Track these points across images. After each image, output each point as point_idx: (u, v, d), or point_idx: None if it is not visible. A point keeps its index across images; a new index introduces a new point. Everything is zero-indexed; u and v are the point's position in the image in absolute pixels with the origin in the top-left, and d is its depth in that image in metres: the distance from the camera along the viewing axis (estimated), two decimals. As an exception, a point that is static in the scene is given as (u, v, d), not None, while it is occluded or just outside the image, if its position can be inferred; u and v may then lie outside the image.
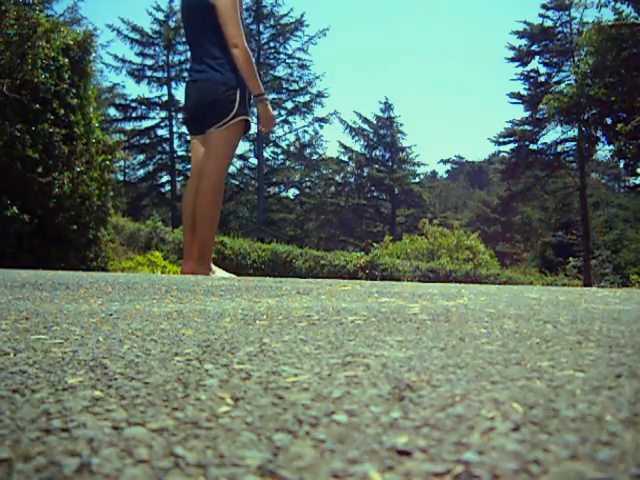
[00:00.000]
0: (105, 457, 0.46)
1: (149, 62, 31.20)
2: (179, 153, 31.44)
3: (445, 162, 66.82)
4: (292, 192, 36.10)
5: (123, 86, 45.43)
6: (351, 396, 0.62)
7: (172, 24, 30.75)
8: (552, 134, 45.52)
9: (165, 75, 31.30)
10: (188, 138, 30.67)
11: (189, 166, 31.41)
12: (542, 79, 29.08)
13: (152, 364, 0.79)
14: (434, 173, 63.79)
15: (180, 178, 30.51)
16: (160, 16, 31.24)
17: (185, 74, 27.84)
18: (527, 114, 29.07)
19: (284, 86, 33.24)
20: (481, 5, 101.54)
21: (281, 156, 34.55)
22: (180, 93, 31.61)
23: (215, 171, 3.54)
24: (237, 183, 34.18)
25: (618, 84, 18.12)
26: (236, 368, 0.76)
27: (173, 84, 30.96)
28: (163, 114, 31.59)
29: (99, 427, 0.53)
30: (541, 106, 22.24)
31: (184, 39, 4.51)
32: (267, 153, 33.65)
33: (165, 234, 14.71)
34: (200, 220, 3.53)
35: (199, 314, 1.35)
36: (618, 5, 17.64)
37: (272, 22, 32.74)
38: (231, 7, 3.55)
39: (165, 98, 31.37)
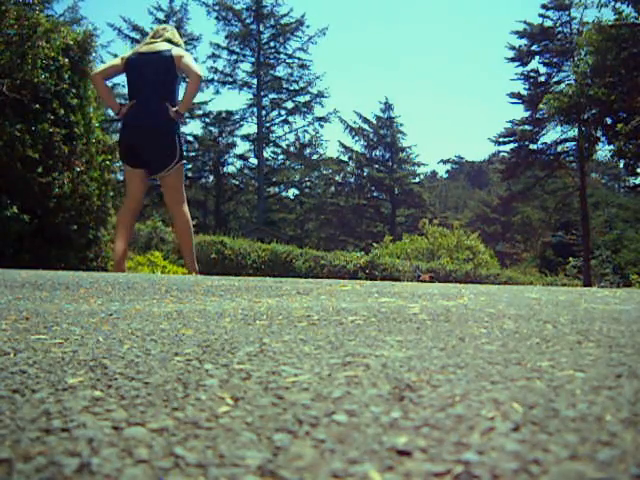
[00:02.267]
0: (105, 457, 0.46)
1: (149, 62, 31.15)
2: (179, 153, 31.35)
3: (445, 162, 66.86)
4: (292, 192, 36.14)
5: (123, 86, 45.34)
6: (351, 396, 0.62)
7: (172, 24, 30.75)
8: (552, 134, 45.52)
9: (165, 75, 31.24)
10: (188, 138, 30.67)
11: (189, 165, 31.39)
12: (542, 79, 29.09)
13: (152, 364, 0.79)
14: (434, 173, 63.80)
15: (180, 178, 30.39)
16: (161, 16, 31.24)
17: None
18: (527, 114, 29.08)
19: (284, 86, 33.23)
20: (481, 5, 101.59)
21: (281, 156, 34.56)
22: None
23: (184, 207, 4.41)
24: (237, 183, 34.20)
25: (618, 84, 18.11)
26: (236, 368, 0.76)
27: (173, 84, 30.88)
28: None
29: (99, 427, 0.53)
30: (541, 106, 22.21)
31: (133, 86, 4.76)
32: (267, 153, 33.66)
33: (165, 234, 14.70)
34: (184, 241, 4.43)
35: (199, 314, 1.35)
36: (618, 5, 17.63)
37: (272, 22, 32.74)
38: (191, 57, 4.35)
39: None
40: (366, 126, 37.75)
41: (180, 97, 4.33)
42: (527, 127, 28.67)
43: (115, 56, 30.49)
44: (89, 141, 7.24)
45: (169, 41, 4.33)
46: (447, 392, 0.63)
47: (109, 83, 4.60)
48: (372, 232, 34.85)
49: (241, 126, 33.31)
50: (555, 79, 28.62)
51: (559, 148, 27.31)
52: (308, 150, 34.61)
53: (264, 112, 32.88)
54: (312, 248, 19.65)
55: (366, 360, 0.80)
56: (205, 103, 31.30)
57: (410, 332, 1.07)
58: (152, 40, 4.34)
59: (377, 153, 38.20)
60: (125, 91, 5.28)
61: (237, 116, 32.90)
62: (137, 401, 0.61)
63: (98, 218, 7.38)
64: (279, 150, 34.38)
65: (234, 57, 32.48)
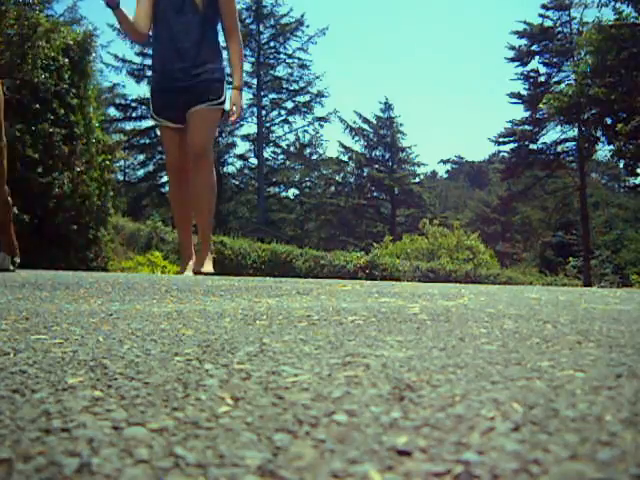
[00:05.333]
0: (105, 457, 0.46)
1: (149, 62, 31.16)
2: (179, 153, 31.29)
3: (445, 162, 66.93)
4: (292, 192, 36.11)
5: (123, 86, 45.31)
6: (351, 396, 0.62)
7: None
8: (552, 134, 45.49)
9: (165, 75, 31.20)
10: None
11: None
12: (542, 79, 29.10)
13: (152, 364, 0.79)
14: (434, 173, 63.82)
15: (180, 178, 30.33)
16: (160, 16, 31.23)
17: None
18: (527, 114, 29.09)
19: (284, 86, 33.23)
20: (481, 5, 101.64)
21: (281, 156, 34.55)
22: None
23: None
24: (237, 183, 34.19)
25: (618, 84, 18.11)
26: (236, 368, 0.76)
27: (173, 84, 30.85)
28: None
29: (99, 427, 0.53)
30: (541, 106, 22.23)
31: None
32: (267, 153, 33.65)
33: (165, 234, 14.69)
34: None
35: (199, 314, 1.35)
36: (618, 5, 17.64)
37: (272, 22, 32.74)
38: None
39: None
40: (366, 126, 37.75)
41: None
42: (527, 127, 28.67)
43: (115, 56, 30.61)
44: (89, 141, 7.24)
45: None
46: (447, 392, 0.63)
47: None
48: (372, 232, 34.83)
49: (241, 126, 33.30)
50: (555, 79, 28.64)
51: (559, 148, 27.33)
52: (308, 150, 34.61)
53: (264, 112, 32.88)
54: (312, 248, 19.65)
55: (366, 360, 0.80)
56: (205, 103, 31.27)
57: (410, 332, 1.07)
58: None
59: (377, 153, 38.19)
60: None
61: (237, 116, 32.83)
62: (137, 401, 0.61)
63: (98, 218, 7.39)
64: (279, 150, 34.38)
65: (234, 57, 32.47)
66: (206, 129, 3.84)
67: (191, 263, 3.86)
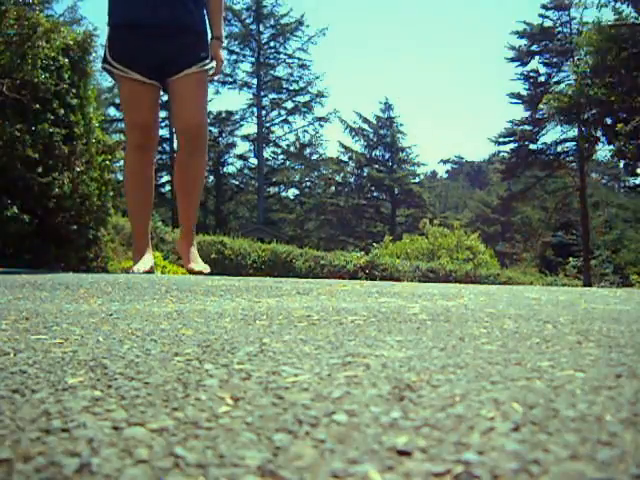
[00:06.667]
0: (105, 457, 0.46)
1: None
2: (179, 153, 31.28)
3: (445, 162, 67.02)
4: (292, 192, 36.18)
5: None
6: (351, 396, 0.62)
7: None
8: (552, 134, 45.51)
9: (165, 75, 31.18)
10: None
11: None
12: (542, 79, 29.12)
13: (152, 364, 0.79)
14: (434, 173, 63.91)
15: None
16: (160, 16, 31.21)
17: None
18: (527, 114, 29.10)
19: (284, 86, 33.25)
20: (481, 5, 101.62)
21: (281, 156, 34.59)
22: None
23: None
24: (237, 183, 34.21)
25: (618, 84, 18.12)
26: (236, 368, 0.76)
27: (173, 84, 30.83)
28: (163, 114, 31.57)
29: (99, 427, 0.53)
30: (541, 106, 22.25)
31: None
32: (267, 153, 33.68)
33: (165, 234, 14.70)
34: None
35: (199, 314, 1.35)
36: (618, 5, 17.65)
37: (272, 22, 32.75)
38: None
39: (165, 98, 31.29)
40: (366, 126, 37.75)
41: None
42: (527, 127, 28.68)
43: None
44: (89, 141, 7.23)
45: None
46: (447, 392, 0.63)
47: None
48: (372, 232, 34.84)
49: (241, 126, 33.36)
50: (555, 79, 28.65)
51: (559, 148, 27.34)
52: (308, 150, 34.63)
53: (264, 112, 32.89)
54: (312, 248, 19.63)
55: (366, 360, 0.80)
56: (205, 103, 31.30)
57: (410, 332, 1.07)
58: None
59: (377, 153, 38.20)
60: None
61: (237, 116, 32.95)
62: (137, 401, 0.61)
63: (98, 218, 7.38)
64: (279, 150, 34.40)
65: (234, 57, 32.51)
66: (203, 102, 3.21)
67: (146, 257, 3.43)
